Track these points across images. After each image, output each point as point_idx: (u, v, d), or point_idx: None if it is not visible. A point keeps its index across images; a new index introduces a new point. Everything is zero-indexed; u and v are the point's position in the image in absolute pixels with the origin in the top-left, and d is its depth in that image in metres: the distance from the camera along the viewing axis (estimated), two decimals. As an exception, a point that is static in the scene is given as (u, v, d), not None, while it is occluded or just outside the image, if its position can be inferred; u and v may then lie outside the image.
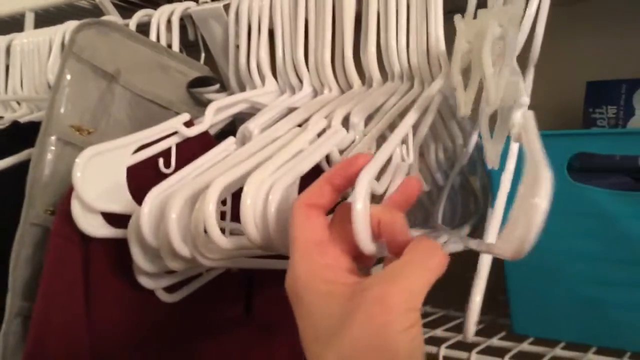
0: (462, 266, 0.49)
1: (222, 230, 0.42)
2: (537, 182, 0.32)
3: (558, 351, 0.54)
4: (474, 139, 0.60)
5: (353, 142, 0.53)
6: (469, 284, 0.46)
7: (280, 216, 0.39)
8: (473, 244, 0.46)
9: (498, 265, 0.58)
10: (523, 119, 0.40)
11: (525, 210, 0.31)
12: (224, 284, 0.58)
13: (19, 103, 0.85)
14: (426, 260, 0.31)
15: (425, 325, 0.62)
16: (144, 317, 0.53)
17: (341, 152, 0.52)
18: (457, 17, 0.49)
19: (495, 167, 0.43)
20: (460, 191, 0.67)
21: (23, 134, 0.66)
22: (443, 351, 0.53)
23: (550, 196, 0.31)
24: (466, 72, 0.46)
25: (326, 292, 0.31)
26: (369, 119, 0.55)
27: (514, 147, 0.49)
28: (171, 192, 0.45)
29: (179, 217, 0.42)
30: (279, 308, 0.62)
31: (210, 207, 0.39)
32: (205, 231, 0.41)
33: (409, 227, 0.34)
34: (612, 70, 0.72)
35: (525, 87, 0.46)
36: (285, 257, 0.39)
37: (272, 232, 0.40)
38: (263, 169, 0.41)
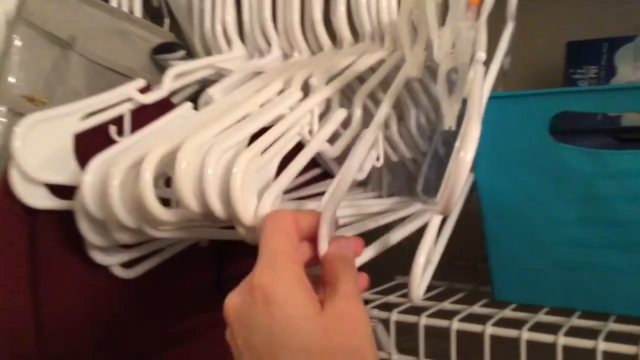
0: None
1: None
2: (466, 134, 0.31)
3: (541, 316, 0.52)
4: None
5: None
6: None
7: (221, 181, 0.37)
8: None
9: (478, 232, 0.57)
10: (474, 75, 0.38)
11: (453, 164, 0.31)
12: (192, 259, 0.55)
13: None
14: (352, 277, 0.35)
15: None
16: (99, 295, 0.51)
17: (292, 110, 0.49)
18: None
19: (451, 127, 0.41)
20: (447, 161, 0.64)
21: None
22: (423, 320, 0.51)
23: (475, 148, 0.31)
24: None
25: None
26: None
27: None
28: (114, 159, 0.42)
29: (122, 186, 0.40)
30: None
31: (146, 176, 0.36)
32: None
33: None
34: (593, 29, 0.70)
35: (483, 42, 0.43)
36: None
37: (212, 199, 0.37)
38: (203, 132, 0.39)
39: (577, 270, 0.53)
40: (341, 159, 0.72)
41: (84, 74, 0.57)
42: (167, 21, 0.71)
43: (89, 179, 0.41)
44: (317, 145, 0.45)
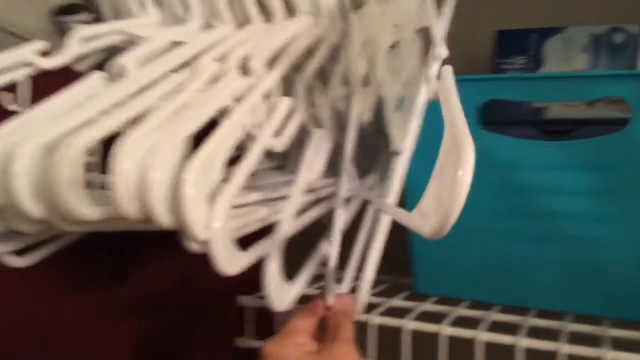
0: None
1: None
2: (460, 151, 0.28)
3: (462, 310, 0.51)
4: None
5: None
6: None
7: (168, 188, 0.33)
8: (388, 210, 0.41)
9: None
10: (442, 76, 0.36)
11: (448, 184, 0.27)
12: (91, 247, 0.50)
13: None
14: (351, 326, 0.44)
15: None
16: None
17: (237, 100, 0.44)
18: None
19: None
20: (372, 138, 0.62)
21: None
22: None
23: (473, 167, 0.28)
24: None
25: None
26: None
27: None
28: (18, 138, 0.36)
29: (29, 171, 0.34)
30: (157, 276, 0.56)
31: (65, 168, 0.31)
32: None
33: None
34: (522, 19, 0.69)
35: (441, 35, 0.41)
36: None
37: (158, 208, 0.33)
38: (140, 127, 0.34)
39: (497, 263, 0.53)
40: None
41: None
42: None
43: None
44: (266, 140, 0.41)
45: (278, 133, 0.44)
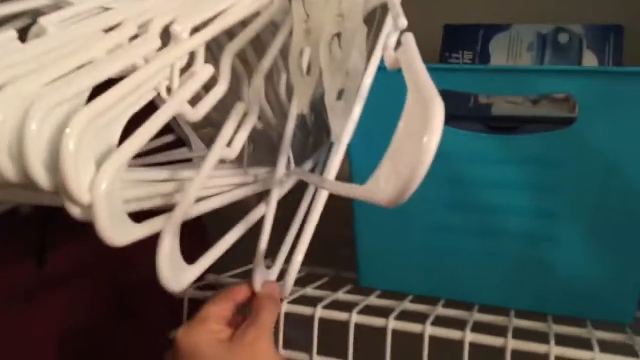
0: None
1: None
2: (427, 115, 0.26)
3: (407, 304, 0.49)
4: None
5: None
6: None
7: (49, 144, 0.29)
8: (326, 185, 0.39)
9: (341, 217, 0.52)
10: (403, 42, 0.34)
11: (412, 148, 0.26)
12: (10, 228, 0.45)
13: None
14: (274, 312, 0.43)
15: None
16: None
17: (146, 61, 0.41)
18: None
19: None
20: (315, 128, 0.59)
21: None
22: (286, 307, 0.46)
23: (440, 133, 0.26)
24: None
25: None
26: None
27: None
28: None
29: None
30: (76, 261, 0.52)
31: None
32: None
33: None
34: (470, 14, 0.69)
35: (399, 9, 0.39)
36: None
37: (35, 166, 0.29)
38: (30, 78, 0.30)
39: (442, 257, 0.52)
40: (198, 126, 0.65)
41: None
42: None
43: None
44: (176, 106, 0.38)
45: (194, 102, 0.40)
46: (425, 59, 0.70)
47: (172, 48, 0.40)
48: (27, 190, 0.32)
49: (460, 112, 0.60)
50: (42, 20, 0.41)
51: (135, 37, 0.41)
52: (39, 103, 0.29)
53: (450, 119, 0.56)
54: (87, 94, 0.33)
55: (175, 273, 0.38)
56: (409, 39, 0.31)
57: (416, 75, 0.27)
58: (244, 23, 0.47)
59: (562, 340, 0.43)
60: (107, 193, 0.30)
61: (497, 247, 0.50)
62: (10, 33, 0.40)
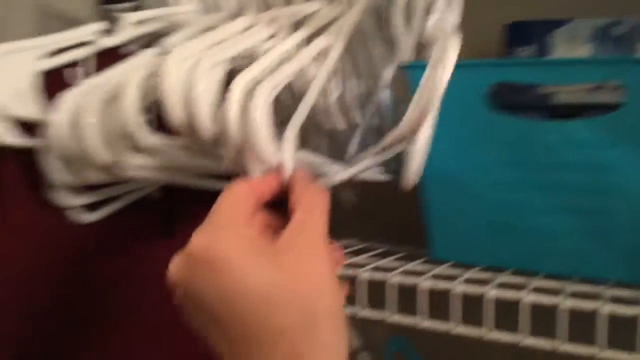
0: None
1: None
2: (444, 55, 0.34)
3: (474, 273, 0.55)
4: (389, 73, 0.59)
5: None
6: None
7: (210, 97, 0.36)
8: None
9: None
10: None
11: (429, 81, 0.33)
12: (144, 209, 0.56)
13: None
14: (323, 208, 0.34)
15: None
16: (58, 238, 0.50)
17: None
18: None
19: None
20: (375, 134, 0.66)
21: None
22: (365, 274, 0.54)
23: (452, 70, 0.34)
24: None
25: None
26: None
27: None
28: (87, 94, 0.41)
29: (98, 120, 0.39)
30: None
31: (130, 98, 0.36)
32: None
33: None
34: (530, 11, 0.73)
35: None
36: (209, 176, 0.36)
37: (202, 116, 0.36)
38: (185, 48, 0.38)
39: (509, 231, 0.57)
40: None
41: (32, 21, 0.55)
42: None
43: (61, 116, 0.40)
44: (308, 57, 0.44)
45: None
46: (489, 55, 0.76)
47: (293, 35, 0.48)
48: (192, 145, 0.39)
49: (526, 102, 0.65)
50: (168, 40, 0.51)
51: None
52: (199, 70, 0.37)
53: (515, 108, 0.62)
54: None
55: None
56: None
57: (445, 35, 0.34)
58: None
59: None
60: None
61: (560, 220, 0.55)
62: (150, 52, 0.51)
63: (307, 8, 0.52)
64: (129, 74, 0.38)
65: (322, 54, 0.45)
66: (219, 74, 0.38)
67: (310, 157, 0.46)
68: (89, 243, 0.52)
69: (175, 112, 0.36)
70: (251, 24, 0.50)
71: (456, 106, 0.55)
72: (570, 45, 0.69)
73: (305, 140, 0.64)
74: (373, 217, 0.57)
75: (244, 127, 0.35)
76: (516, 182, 0.56)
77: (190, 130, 0.36)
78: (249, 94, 0.36)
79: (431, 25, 0.41)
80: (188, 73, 0.36)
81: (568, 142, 0.54)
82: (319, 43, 0.46)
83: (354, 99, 0.62)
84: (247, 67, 0.46)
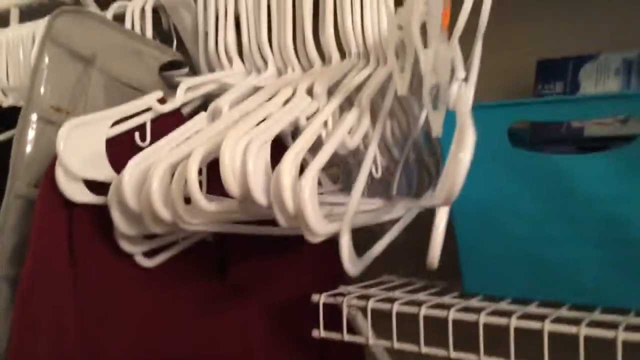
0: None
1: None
2: (462, 139, 0.37)
3: (503, 305, 0.58)
4: (424, 114, 0.65)
5: (317, 110, 0.57)
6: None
7: (257, 172, 0.44)
8: (423, 202, 0.51)
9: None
10: (458, 91, 0.46)
11: (453, 163, 0.37)
12: (199, 252, 0.63)
13: (4, 94, 0.90)
14: None
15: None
16: (124, 281, 0.58)
17: (307, 118, 0.56)
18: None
19: (438, 135, 0.48)
20: (416, 165, 0.71)
21: (6, 118, 0.70)
22: (396, 307, 0.58)
23: (472, 150, 0.38)
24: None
25: None
26: (329, 92, 0.60)
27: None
28: (152, 161, 0.50)
29: (161, 184, 0.47)
30: (251, 273, 0.68)
31: (193, 173, 0.44)
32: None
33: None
34: (559, 47, 0.76)
35: (460, 61, 0.50)
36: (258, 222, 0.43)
37: (252, 187, 0.44)
38: (237, 129, 0.46)
39: (537, 263, 0.59)
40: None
41: (103, 89, 0.65)
42: (174, 42, 0.80)
43: (127, 177, 0.48)
44: (340, 137, 0.52)
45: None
46: (520, 94, 0.79)
47: (328, 104, 0.56)
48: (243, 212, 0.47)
49: (555, 137, 0.68)
50: (219, 102, 0.59)
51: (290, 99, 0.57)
52: (251, 149, 0.44)
53: (547, 143, 0.65)
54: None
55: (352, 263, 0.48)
56: (462, 87, 0.43)
57: (461, 115, 0.39)
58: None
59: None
60: (310, 196, 0.43)
61: (584, 252, 0.57)
62: (203, 115, 0.59)
63: (339, 73, 0.58)
64: (192, 150, 0.46)
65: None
66: (267, 151, 0.47)
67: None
68: (152, 286, 0.60)
69: (232, 188, 0.44)
70: (293, 91, 0.57)
71: (482, 144, 0.59)
72: (599, 79, 0.71)
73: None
74: (414, 254, 0.62)
75: (296, 201, 0.43)
76: (546, 215, 0.58)
77: (246, 201, 0.45)
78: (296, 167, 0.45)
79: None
80: (242, 154, 0.45)
81: (590, 175, 0.56)
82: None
83: (390, 138, 0.68)
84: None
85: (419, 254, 0.65)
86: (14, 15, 0.97)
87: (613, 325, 0.50)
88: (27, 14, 0.98)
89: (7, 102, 0.88)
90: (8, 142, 0.61)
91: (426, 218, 0.61)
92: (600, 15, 0.78)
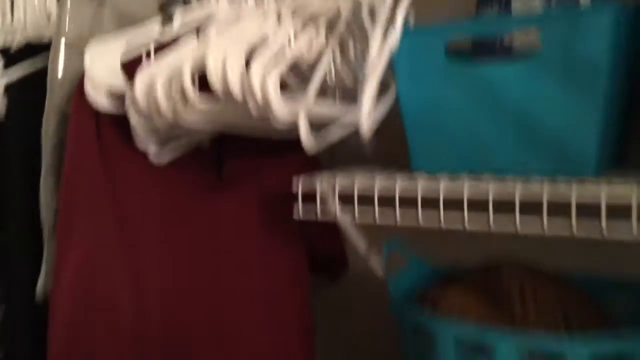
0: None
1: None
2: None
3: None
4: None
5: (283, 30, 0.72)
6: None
7: (234, 73, 0.60)
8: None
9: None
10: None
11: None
12: (200, 155, 0.79)
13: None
14: None
15: None
16: (143, 175, 0.75)
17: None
18: None
19: None
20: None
21: (35, 51, 0.86)
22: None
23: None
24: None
25: None
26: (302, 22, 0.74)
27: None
28: (155, 71, 0.65)
29: (163, 85, 0.63)
30: (242, 168, 0.84)
31: (186, 75, 0.59)
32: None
33: None
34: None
35: None
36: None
37: (230, 82, 0.59)
38: (219, 43, 0.62)
39: (465, 144, 0.74)
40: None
41: (114, 23, 0.80)
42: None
43: (139, 84, 0.64)
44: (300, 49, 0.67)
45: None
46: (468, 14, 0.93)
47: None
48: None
49: (490, 50, 0.83)
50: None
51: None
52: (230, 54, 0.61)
53: (483, 56, 0.80)
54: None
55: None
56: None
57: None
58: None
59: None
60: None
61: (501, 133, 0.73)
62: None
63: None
64: (183, 61, 0.61)
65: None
66: (242, 58, 0.61)
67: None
68: (163, 181, 0.76)
69: (217, 85, 0.59)
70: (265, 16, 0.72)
71: (423, 57, 0.74)
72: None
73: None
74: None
75: (264, 94, 0.58)
76: (472, 110, 0.74)
77: (227, 96, 0.60)
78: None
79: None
80: (222, 60, 0.60)
81: (508, 78, 0.71)
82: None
83: (354, 59, 0.82)
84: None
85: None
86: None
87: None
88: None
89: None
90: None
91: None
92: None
